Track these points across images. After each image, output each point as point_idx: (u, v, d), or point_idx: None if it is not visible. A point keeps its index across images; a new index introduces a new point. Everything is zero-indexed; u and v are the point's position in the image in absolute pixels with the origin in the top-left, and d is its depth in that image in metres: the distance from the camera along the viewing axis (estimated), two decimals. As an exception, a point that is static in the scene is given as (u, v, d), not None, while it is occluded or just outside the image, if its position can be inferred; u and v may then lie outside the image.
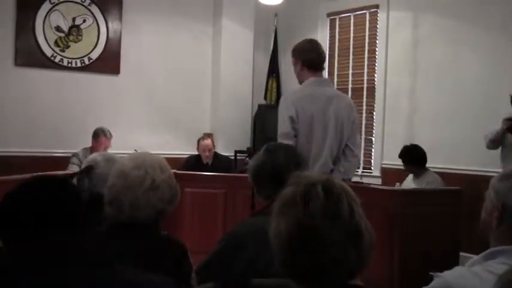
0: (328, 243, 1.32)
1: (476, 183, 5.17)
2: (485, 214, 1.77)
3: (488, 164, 5.17)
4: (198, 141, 6.58)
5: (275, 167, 2.44)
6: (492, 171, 4.92)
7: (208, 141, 6.52)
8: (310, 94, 4.00)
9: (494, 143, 5.03)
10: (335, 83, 7.14)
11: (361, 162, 6.56)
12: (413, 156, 5.73)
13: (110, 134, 6.04)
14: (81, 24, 6.83)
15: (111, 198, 2.04)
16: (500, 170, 4.90)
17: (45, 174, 2.52)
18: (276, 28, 7.92)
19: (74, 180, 2.59)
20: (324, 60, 4.15)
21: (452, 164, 5.81)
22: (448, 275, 1.68)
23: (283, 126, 3.95)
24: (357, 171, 6.11)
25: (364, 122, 6.85)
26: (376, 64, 6.82)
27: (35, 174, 1.99)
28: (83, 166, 2.69)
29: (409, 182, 5.84)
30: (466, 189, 4.98)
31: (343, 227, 1.34)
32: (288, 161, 2.46)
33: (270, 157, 2.48)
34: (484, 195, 1.82)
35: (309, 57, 4.10)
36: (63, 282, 1.32)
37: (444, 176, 5.70)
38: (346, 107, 4.08)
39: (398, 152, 5.85)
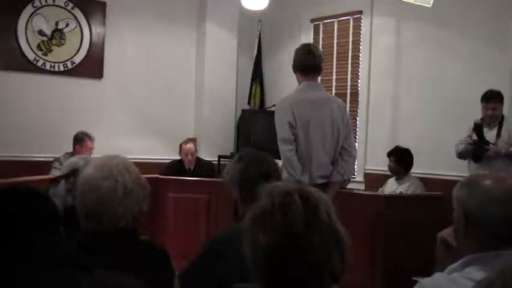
0: (313, 249, 1.32)
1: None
2: (455, 224, 1.79)
3: (470, 170, 5.20)
4: (180, 145, 6.56)
5: (262, 168, 2.45)
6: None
7: (190, 146, 6.50)
8: (305, 99, 4.05)
9: (461, 156, 5.11)
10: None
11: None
12: (404, 158, 5.78)
13: (93, 136, 6.00)
14: (64, 28, 6.79)
15: (87, 212, 1.99)
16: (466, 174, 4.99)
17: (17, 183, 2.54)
18: (260, 33, 7.92)
19: (59, 185, 2.59)
20: (314, 65, 4.14)
21: (434, 169, 5.84)
22: (426, 281, 1.69)
23: (282, 132, 4.00)
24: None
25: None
26: (360, 70, 6.85)
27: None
28: (65, 170, 2.68)
29: (390, 187, 5.88)
30: (447, 194, 5.01)
31: (325, 233, 1.35)
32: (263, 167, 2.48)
33: (251, 160, 2.48)
34: None
35: (299, 62, 4.15)
36: (35, 282, 1.33)
37: (426, 181, 5.74)
38: (339, 109, 4.15)
39: (386, 153, 5.91)
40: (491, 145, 4.89)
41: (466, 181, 1.78)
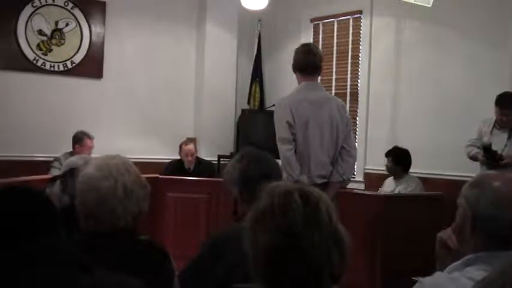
0: (313, 249, 1.32)
1: (458, 188, 5.19)
2: (459, 222, 1.79)
3: (470, 169, 5.19)
4: (180, 146, 6.56)
5: (263, 168, 2.45)
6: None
7: (190, 146, 6.50)
8: (304, 98, 4.05)
9: (473, 160, 5.10)
10: (318, 88, 7.16)
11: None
12: (402, 158, 5.77)
13: (92, 135, 6.00)
14: (64, 28, 6.78)
15: (86, 212, 1.99)
16: (466, 174, 4.97)
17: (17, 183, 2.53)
18: (259, 33, 7.92)
19: (55, 184, 2.58)
20: (314, 65, 4.15)
21: (434, 169, 5.84)
22: (427, 280, 1.69)
23: (281, 131, 4.01)
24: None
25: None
26: (360, 69, 6.84)
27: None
28: (63, 169, 2.68)
29: (388, 186, 5.87)
30: (447, 194, 5.01)
31: (325, 232, 1.35)
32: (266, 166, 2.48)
33: (252, 160, 2.48)
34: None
35: (299, 62, 4.16)
36: (35, 282, 1.33)
37: (426, 181, 5.74)
38: (339, 109, 4.16)
39: (384, 152, 5.90)
40: (504, 153, 4.83)
41: (476, 181, 1.77)
